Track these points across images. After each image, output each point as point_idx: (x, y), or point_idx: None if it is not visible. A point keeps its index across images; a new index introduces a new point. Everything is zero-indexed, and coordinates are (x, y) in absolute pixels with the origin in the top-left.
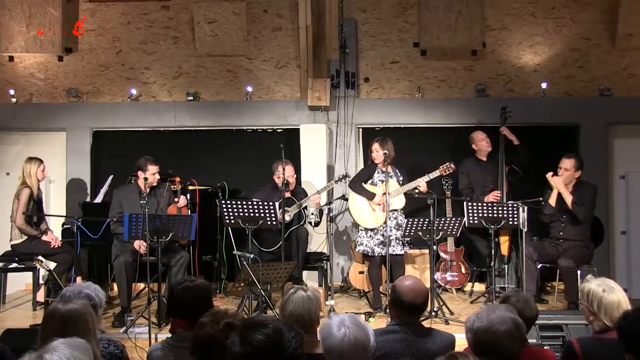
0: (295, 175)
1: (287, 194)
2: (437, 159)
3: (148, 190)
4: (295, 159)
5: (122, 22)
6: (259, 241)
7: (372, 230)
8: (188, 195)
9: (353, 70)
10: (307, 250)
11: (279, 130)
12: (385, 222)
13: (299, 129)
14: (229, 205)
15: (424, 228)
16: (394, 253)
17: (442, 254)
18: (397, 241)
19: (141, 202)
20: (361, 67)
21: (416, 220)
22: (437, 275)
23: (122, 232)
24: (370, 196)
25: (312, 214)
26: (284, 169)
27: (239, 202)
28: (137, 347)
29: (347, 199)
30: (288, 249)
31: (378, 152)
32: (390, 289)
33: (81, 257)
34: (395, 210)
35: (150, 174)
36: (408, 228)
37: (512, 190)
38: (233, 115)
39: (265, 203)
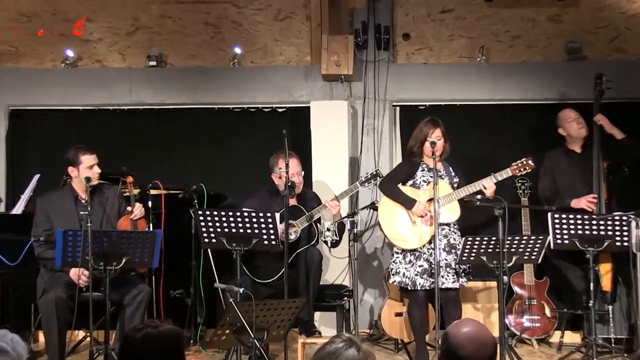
0: (303, 174)
1: (293, 201)
2: (509, 152)
3: (89, 194)
4: (303, 150)
5: None
6: (252, 269)
7: (412, 253)
8: (149, 203)
9: (387, 23)
10: (321, 282)
11: (280, 110)
12: (432, 242)
13: (309, 107)
14: (209, 217)
15: (490, 250)
16: (445, 287)
17: (516, 289)
18: (450, 269)
19: (80, 212)
20: (398, 18)
21: (478, 239)
22: (510, 320)
23: (52, 257)
24: (409, 203)
25: (329, 229)
26: (287, 164)
27: (222, 213)
28: None
29: (377, 208)
30: (294, 280)
31: (443, 142)
32: (441, 338)
33: None
34: (447, 224)
35: (86, 168)
36: (466, 250)
37: (614, 196)
38: (215, 88)
39: (261, 214)
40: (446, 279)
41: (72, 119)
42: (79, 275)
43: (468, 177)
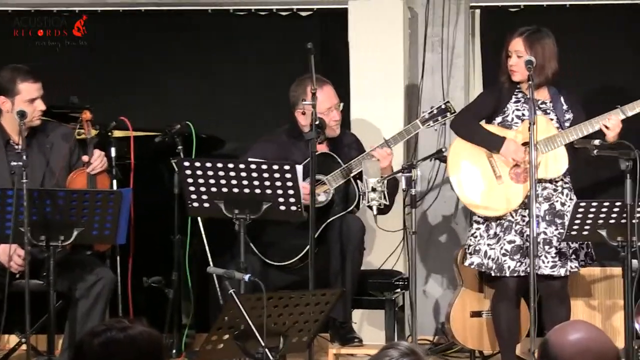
0: (341, 107)
1: (322, 147)
2: None
3: (25, 137)
4: (338, 73)
5: None
6: (263, 246)
7: (499, 222)
8: (113, 150)
9: None
10: (364, 267)
11: (303, 13)
12: (527, 205)
13: (346, 9)
14: (200, 171)
15: (612, 222)
16: (544, 273)
17: None
18: (552, 248)
19: (12, 163)
20: None
21: (594, 204)
22: None
23: None
24: (495, 143)
25: (375, 189)
26: (314, 93)
27: (219, 165)
28: None
29: (445, 158)
30: (323, 262)
31: (520, 58)
32: (539, 349)
33: None
34: (550, 181)
35: (26, 102)
36: (577, 221)
37: None
38: None
39: (276, 166)
40: (545, 262)
41: None
42: (9, 254)
43: (586, 112)
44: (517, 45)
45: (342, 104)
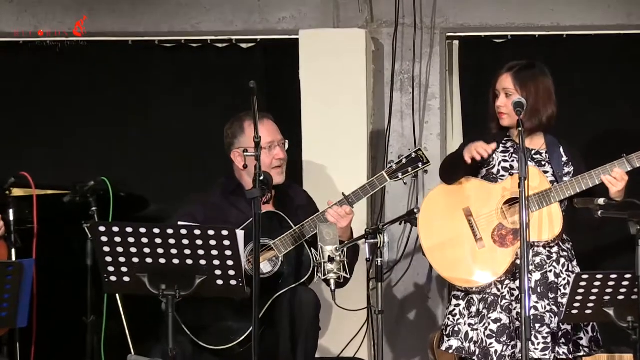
0: (286, 144)
1: (267, 206)
2: None
3: None
4: (287, 117)
5: None
6: (196, 327)
7: (482, 297)
8: (11, 213)
9: None
10: (319, 354)
11: (244, 46)
12: (515, 275)
13: (296, 40)
14: (118, 238)
15: (620, 298)
16: (533, 357)
17: None
18: (542, 327)
19: None
20: None
21: (599, 277)
22: None
23: None
24: (458, 152)
25: (332, 259)
26: (257, 142)
27: (143, 231)
28: None
29: (415, 220)
30: (270, 346)
31: (509, 97)
32: None
33: None
34: (544, 245)
35: None
36: (580, 297)
37: None
38: (128, 6)
39: (211, 232)
40: (535, 344)
41: None
42: None
43: (585, 162)
44: (505, 82)
45: (287, 142)
